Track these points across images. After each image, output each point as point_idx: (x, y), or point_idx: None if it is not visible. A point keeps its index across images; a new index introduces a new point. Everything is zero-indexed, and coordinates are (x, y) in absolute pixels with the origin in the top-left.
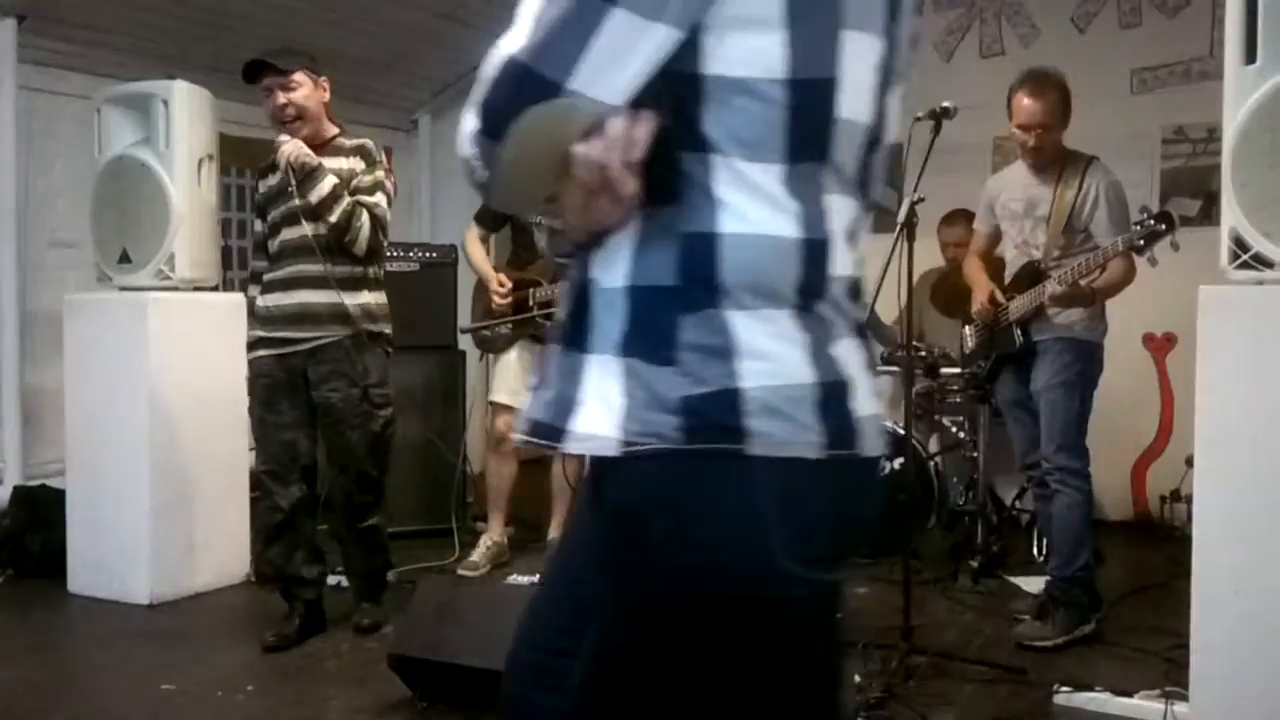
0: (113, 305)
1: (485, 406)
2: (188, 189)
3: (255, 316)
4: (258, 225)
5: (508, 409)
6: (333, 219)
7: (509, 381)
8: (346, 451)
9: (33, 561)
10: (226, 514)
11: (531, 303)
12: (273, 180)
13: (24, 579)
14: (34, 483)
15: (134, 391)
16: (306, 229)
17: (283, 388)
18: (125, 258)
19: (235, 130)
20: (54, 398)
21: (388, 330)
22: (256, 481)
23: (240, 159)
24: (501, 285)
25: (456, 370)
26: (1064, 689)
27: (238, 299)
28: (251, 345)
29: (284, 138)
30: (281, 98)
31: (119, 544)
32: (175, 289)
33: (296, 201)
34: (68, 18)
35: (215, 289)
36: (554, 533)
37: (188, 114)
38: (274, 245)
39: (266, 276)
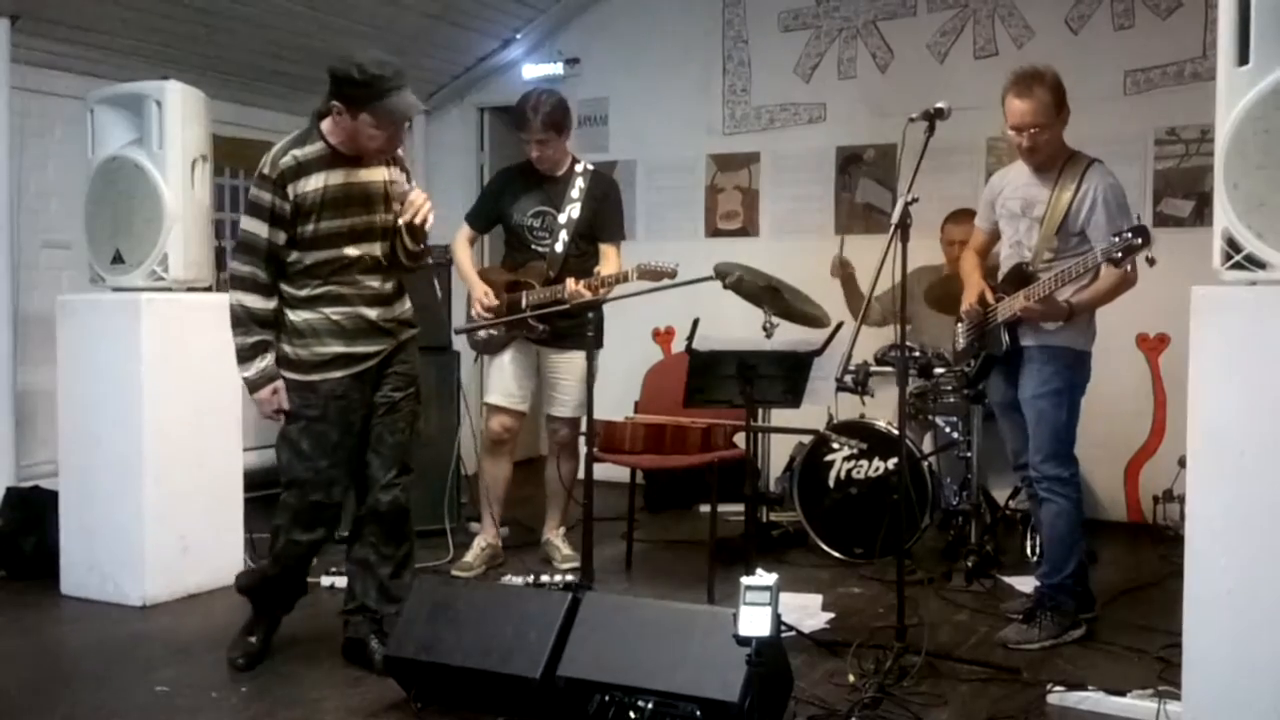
0: (106, 306)
1: (479, 407)
2: (181, 190)
3: (319, 333)
4: (265, 231)
5: (502, 410)
6: (422, 245)
7: (503, 383)
8: (404, 450)
9: (26, 563)
10: (220, 515)
11: (524, 304)
12: (315, 185)
13: (17, 580)
14: (27, 484)
15: (127, 392)
16: (375, 249)
17: (356, 408)
18: (118, 258)
19: (228, 131)
20: (47, 399)
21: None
22: (312, 513)
23: (234, 160)
24: (485, 297)
25: (451, 371)
26: (1058, 688)
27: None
28: (328, 362)
29: (417, 193)
30: (400, 134)
31: (112, 545)
32: (169, 290)
33: (374, 219)
34: (60, 18)
35: (209, 290)
36: (548, 534)
37: (181, 114)
38: (325, 261)
39: (321, 290)
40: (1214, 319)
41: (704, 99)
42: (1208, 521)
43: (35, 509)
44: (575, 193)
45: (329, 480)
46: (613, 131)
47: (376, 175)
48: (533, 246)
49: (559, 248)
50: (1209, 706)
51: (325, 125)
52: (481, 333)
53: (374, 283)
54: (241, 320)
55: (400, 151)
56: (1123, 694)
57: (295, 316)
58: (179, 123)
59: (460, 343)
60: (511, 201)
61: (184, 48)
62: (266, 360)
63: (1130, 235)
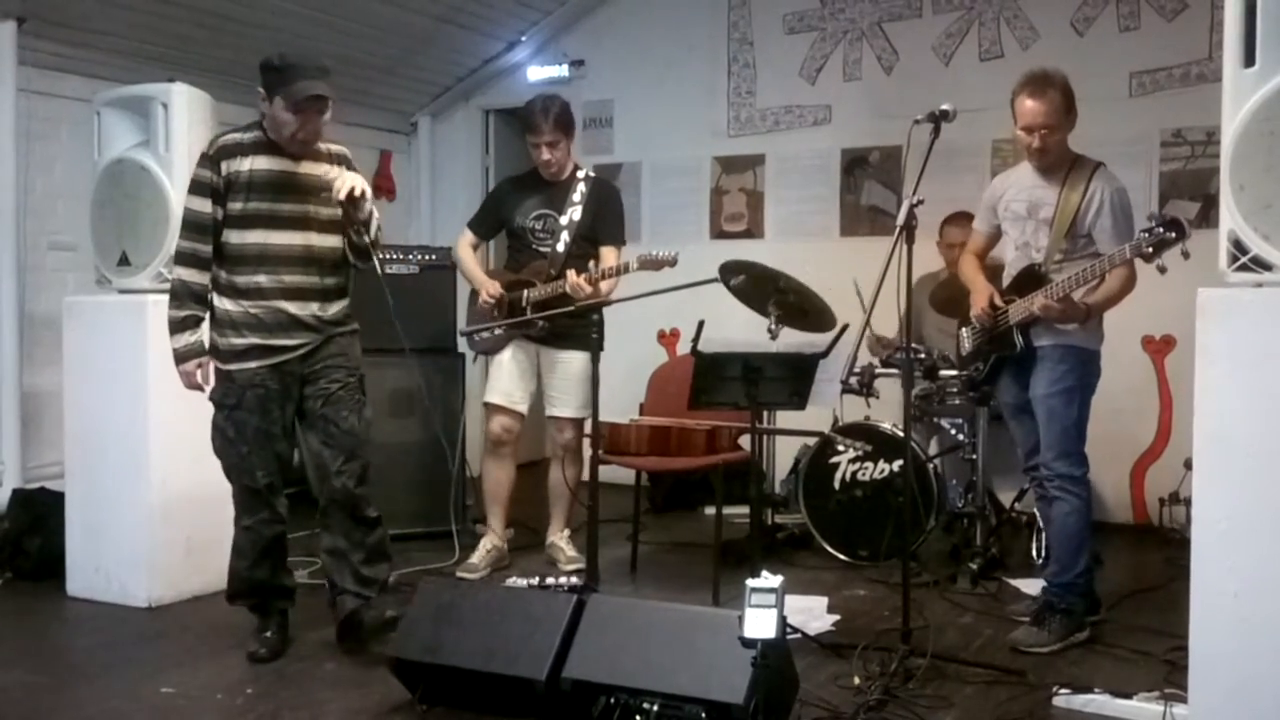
0: (112, 308)
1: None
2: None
3: (236, 325)
4: (208, 207)
5: (501, 410)
6: (371, 237)
7: (502, 383)
8: (351, 436)
9: (31, 564)
10: (225, 516)
11: (525, 303)
12: (247, 166)
13: (23, 581)
14: (33, 485)
15: (133, 394)
16: (311, 239)
17: (276, 397)
18: (124, 260)
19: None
20: (53, 400)
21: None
22: (246, 497)
23: None
24: (492, 293)
25: (455, 373)
26: (1063, 691)
27: None
28: (242, 353)
29: (335, 171)
30: (316, 121)
31: (118, 547)
32: None
33: (307, 209)
34: (67, 20)
35: None
36: (553, 536)
37: (187, 116)
38: (251, 245)
39: (243, 280)
40: (1220, 321)
41: (709, 101)
42: (1213, 524)
43: (41, 510)
44: (577, 196)
45: (251, 466)
46: (617, 134)
47: (319, 170)
48: (534, 247)
49: (560, 247)
50: (1215, 709)
51: (265, 120)
52: (484, 332)
53: (298, 277)
54: (178, 294)
55: (334, 146)
56: (1129, 696)
57: (218, 304)
58: (185, 125)
59: (465, 345)
60: (514, 206)
61: (190, 50)
62: (197, 335)
63: (1162, 230)
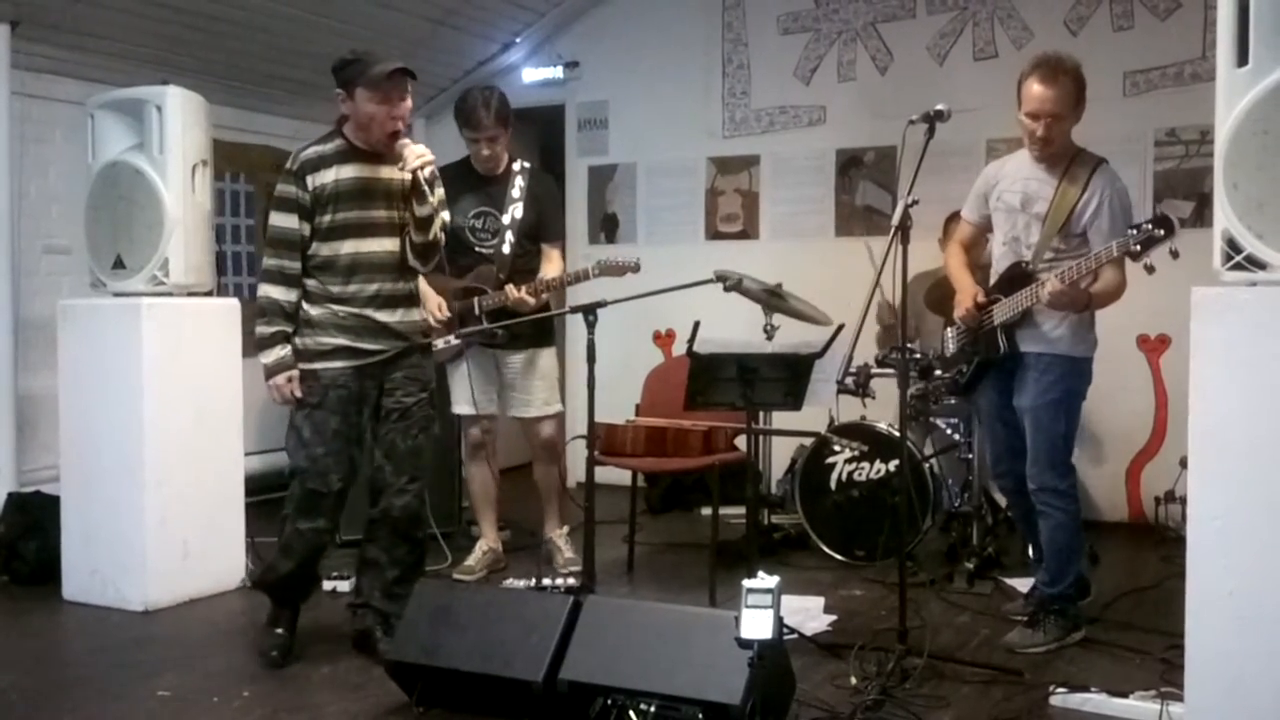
0: (107, 311)
1: None
2: (181, 194)
3: (325, 325)
4: (295, 223)
5: (476, 417)
6: (430, 235)
7: (466, 391)
8: (417, 456)
9: (27, 568)
10: (222, 520)
11: (478, 311)
12: (331, 177)
13: (18, 585)
14: (28, 489)
15: (129, 397)
16: (393, 245)
17: (355, 399)
18: (119, 263)
19: (229, 135)
20: (48, 404)
21: None
22: (311, 500)
23: (234, 164)
24: (440, 310)
25: (446, 376)
26: (1060, 690)
27: (232, 304)
28: (330, 352)
29: (405, 142)
30: (402, 108)
31: (114, 550)
32: (169, 294)
33: (392, 214)
34: (61, 23)
35: (209, 294)
36: (549, 533)
37: (181, 119)
38: (344, 255)
39: (336, 289)
40: (1214, 320)
41: (704, 102)
42: (1209, 522)
43: (37, 514)
44: (516, 192)
45: (324, 468)
46: (612, 135)
47: (398, 175)
48: (476, 249)
49: (505, 249)
50: (1211, 708)
51: (346, 127)
52: (439, 341)
53: (388, 283)
54: (266, 311)
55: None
56: (1125, 695)
57: (306, 308)
58: (179, 127)
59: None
60: (450, 203)
61: (184, 52)
62: (286, 350)
63: (1150, 226)
